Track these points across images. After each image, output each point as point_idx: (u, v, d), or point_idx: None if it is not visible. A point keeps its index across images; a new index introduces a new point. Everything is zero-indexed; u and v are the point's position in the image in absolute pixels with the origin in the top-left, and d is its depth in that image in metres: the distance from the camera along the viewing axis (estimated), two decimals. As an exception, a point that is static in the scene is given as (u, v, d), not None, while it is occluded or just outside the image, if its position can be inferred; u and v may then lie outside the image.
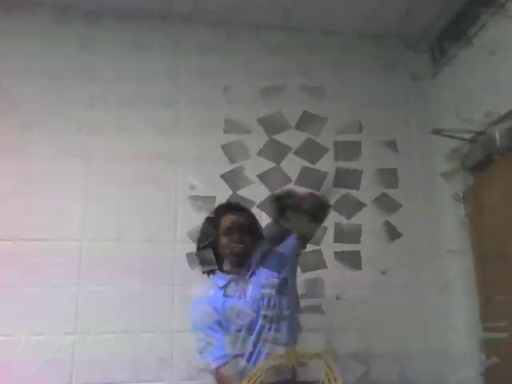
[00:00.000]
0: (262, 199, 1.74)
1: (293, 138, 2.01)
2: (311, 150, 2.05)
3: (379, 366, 2.19)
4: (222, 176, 1.82)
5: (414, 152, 2.58)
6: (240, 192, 1.82)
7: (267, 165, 2.05)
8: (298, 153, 1.99)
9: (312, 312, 1.91)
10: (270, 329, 1.60)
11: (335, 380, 1.28)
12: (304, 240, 1.73)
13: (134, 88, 2.40)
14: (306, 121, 2.19)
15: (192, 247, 2.18)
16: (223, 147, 1.89)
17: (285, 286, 1.70)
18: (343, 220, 2.40)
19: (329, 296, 2.22)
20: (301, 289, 1.83)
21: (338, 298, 2.22)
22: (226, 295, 1.64)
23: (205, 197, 1.92)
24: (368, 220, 2.42)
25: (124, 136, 2.33)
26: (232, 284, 1.66)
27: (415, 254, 2.42)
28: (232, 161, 1.85)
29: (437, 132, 2.23)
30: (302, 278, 1.84)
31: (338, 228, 2.33)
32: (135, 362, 2.06)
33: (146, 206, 2.25)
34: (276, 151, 1.94)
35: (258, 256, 1.72)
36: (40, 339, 2.03)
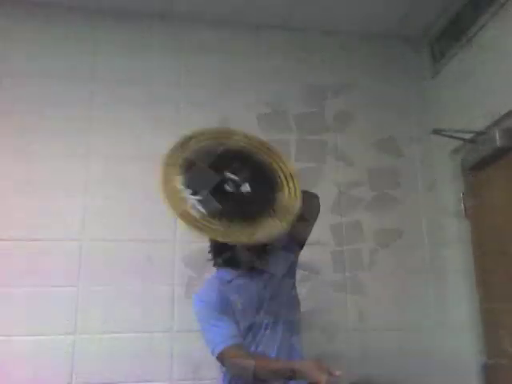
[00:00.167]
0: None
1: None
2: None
3: (377, 365, 2.19)
4: None
5: (414, 152, 2.58)
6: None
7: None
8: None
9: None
10: (268, 327, 1.60)
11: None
12: (300, 242, 1.74)
13: (134, 88, 2.41)
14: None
15: (192, 247, 2.19)
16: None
17: (288, 286, 1.70)
18: (343, 219, 2.41)
19: (328, 295, 2.23)
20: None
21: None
22: (232, 289, 1.64)
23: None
24: (368, 219, 2.44)
25: (124, 136, 2.34)
26: (238, 280, 1.66)
27: (415, 254, 2.42)
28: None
29: (437, 132, 2.23)
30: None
31: (338, 227, 2.35)
32: (135, 362, 2.06)
33: (145, 206, 2.25)
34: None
35: (266, 256, 1.72)
36: (40, 339, 2.03)
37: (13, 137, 2.24)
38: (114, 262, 2.16)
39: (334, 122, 2.55)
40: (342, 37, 2.67)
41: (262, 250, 1.68)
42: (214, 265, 1.74)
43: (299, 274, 1.79)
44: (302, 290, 1.84)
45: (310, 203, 1.70)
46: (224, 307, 1.59)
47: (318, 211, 1.76)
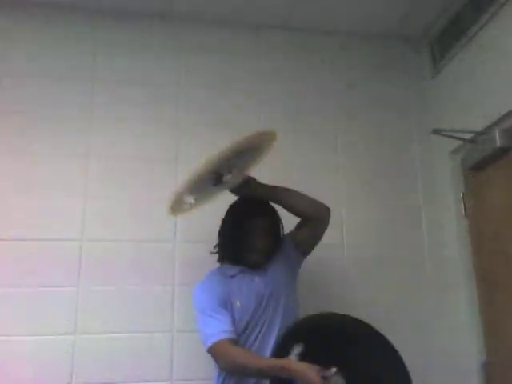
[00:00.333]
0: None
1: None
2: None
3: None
4: None
5: (414, 152, 2.58)
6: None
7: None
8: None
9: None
10: (264, 326, 1.61)
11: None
12: (303, 249, 1.82)
13: (134, 88, 2.41)
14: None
15: (192, 247, 2.20)
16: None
17: (288, 288, 1.70)
18: (343, 219, 2.41)
19: (328, 294, 2.22)
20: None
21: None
22: (233, 285, 1.64)
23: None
24: (367, 219, 2.44)
25: (124, 136, 2.34)
26: (240, 276, 1.66)
27: (415, 254, 2.42)
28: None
29: (437, 132, 2.23)
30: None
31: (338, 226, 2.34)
32: (135, 362, 2.06)
33: (145, 206, 2.25)
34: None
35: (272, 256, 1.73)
36: (40, 339, 2.02)
37: (13, 137, 2.23)
38: (114, 262, 2.15)
39: (333, 122, 2.55)
40: (342, 37, 2.67)
41: (270, 251, 1.69)
42: (219, 260, 1.75)
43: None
44: (301, 291, 1.85)
45: (319, 214, 1.71)
46: (223, 301, 1.59)
47: (326, 224, 1.75)
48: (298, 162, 2.44)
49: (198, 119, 2.43)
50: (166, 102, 2.42)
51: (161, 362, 2.08)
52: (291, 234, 1.79)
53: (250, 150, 1.68)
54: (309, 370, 1.33)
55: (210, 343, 1.51)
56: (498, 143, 2.01)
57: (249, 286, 1.64)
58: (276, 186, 1.77)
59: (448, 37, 2.48)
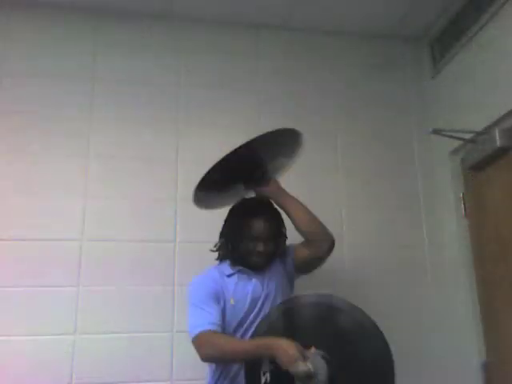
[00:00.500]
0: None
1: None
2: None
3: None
4: None
5: (414, 152, 2.58)
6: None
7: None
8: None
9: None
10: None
11: None
12: (300, 268, 1.80)
13: (134, 88, 2.41)
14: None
15: (191, 247, 2.20)
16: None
17: (284, 292, 1.70)
18: (343, 218, 2.41)
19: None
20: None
21: None
22: (229, 284, 1.64)
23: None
24: (367, 219, 2.44)
25: (124, 136, 2.34)
26: (237, 276, 1.66)
27: (415, 254, 2.42)
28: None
29: (437, 132, 2.23)
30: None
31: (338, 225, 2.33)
32: (135, 362, 2.06)
33: (145, 206, 2.25)
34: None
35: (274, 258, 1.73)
36: (40, 339, 2.02)
37: (13, 137, 2.24)
38: (114, 262, 2.16)
39: (333, 122, 2.55)
40: (342, 37, 2.67)
41: (271, 254, 1.69)
42: (218, 258, 1.75)
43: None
44: (300, 291, 1.84)
45: (319, 240, 1.67)
46: (216, 297, 1.60)
47: (322, 255, 1.71)
48: (298, 162, 2.44)
49: (198, 119, 2.43)
50: (166, 102, 2.42)
51: (161, 362, 2.08)
52: (296, 246, 1.76)
53: (274, 146, 1.70)
54: (288, 347, 1.33)
55: (196, 332, 1.51)
56: (498, 143, 2.01)
57: (245, 286, 1.64)
58: (291, 196, 1.74)
59: (448, 37, 2.48)
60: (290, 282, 1.76)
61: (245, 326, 1.59)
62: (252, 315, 1.60)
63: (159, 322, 2.12)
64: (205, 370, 1.70)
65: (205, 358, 1.52)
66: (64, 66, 2.37)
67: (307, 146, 2.49)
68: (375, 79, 2.65)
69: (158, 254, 2.20)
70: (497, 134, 2.02)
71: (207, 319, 1.53)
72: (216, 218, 1.80)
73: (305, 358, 1.31)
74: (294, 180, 2.39)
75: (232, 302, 1.60)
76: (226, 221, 1.76)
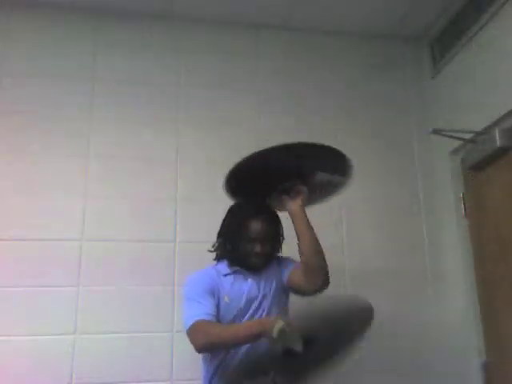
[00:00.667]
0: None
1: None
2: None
3: (377, 365, 2.19)
4: None
5: (414, 152, 2.58)
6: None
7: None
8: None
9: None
10: None
11: None
12: (293, 289, 1.74)
13: (134, 88, 2.41)
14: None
15: (191, 247, 2.20)
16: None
17: (281, 297, 1.70)
18: (343, 218, 2.41)
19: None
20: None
21: None
22: (225, 283, 1.64)
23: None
24: (367, 219, 2.44)
25: (124, 136, 2.34)
26: (234, 276, 1.66)
27: (415, 254, 2.42)
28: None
29: (437, 132, 2.23)
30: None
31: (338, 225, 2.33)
32: (135, 362, 2.06)
33: (145, 206, 2.25)
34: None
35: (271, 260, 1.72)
36: (40, 339, 2.02)
37: (13, 137, 2.24)
38: (114, 262, 2.16)
39: (333, 122, 2.55)
40: (342, 37, 2.67)
41: (269, 255, 1.69)
42: (216, 258, 1.75)
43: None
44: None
45: (317, 275, 1.62)
46: (211, 292, 1.60)
47: (318, 288, 1.63)
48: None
49: (198, 119, 2.43)
50: (165, 102, 2.42)
51: (161, 362, 2.08)
52: (294, 268, 1.71)
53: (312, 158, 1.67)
54: (277, 319, 1.35)
55: (192, 321, 1.50)
56: (498, 143, 2.01)
57: (241, 286, 1.64)
58: (307, 221, 1.67)
59: (448, 37, 2.48)
60: (283, 288, 1.74)
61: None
62: (247, 316, 1.60)
63: (159, 322, 2.12)
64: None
65: (200, 347, 1.51)
66: (64, 66, 2.37)
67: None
68: (375, 79, 2.65)
69: (157, 254, 2.20)
70: (497, 134, 2.02)
71: (203, 310, 1.53)
72: (216, 218, 1.80)
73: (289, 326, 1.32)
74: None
75: (226, 299, 1.60)
76: (224, 221, 1.75)
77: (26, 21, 2.40)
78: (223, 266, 1.70)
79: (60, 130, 2.29)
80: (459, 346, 2.25)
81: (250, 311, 1.61)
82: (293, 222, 1.67)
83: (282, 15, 2.54)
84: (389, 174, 2.52)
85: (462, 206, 2.34)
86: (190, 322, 1.51)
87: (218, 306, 1.58)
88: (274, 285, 1.68)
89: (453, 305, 2.33)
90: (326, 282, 1.63)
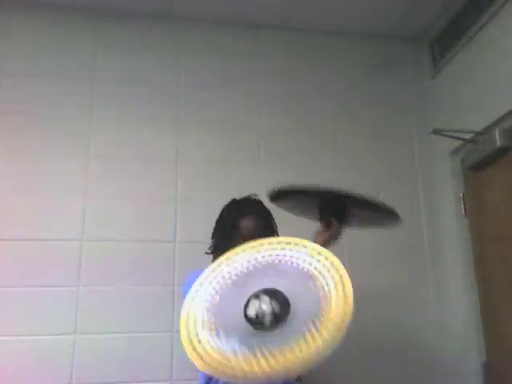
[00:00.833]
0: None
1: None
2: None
3: (377, 365, 2.19)
4: None
5: (414, 152, 2.58)
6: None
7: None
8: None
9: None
10: None
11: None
12: None
13: (134, 88, 2.41)
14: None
15: (191, 247, 2.20)
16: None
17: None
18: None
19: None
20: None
21: None
22: None
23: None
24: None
25: (124, 136, 2.34)
26: None
27: (415, 254, 2.42)
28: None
29: (437, 132, 2.23)
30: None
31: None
32: (135, 362, 2.06)
33: (145, 206, 2.25)
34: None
35: None
36: (40, 339, 2.02)
37: (13, 137, 2.23)
38: (114, 262, 2.16)
39: (333, 122, 2.55)
40: (342, 37, 2.67)
41: None
42: (213, 260, 1.74)
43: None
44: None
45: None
46: None
47: None
48: (298, 162, 2.44)
49: (198, 119, 2.43)
50: (166, 102, 2.42)
51: (161, 362, 2.08)
52: None
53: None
54: None
55: None
56: (498, 143, 2.01)
57: None
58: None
59: (448, 37, 2.48)
60: None
61: None
62: None
63: (159, 322, 2.12)
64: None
65: None
66: (64, 66, 2.37)
67: (307, 146, 2.51)
68: (375, 79, 2.65)
69: (157, 253, 2.20)
70: (497, 134, 2.02)
71: None
72: (216, 218, 1.80)
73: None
74: (295, 179, 2.39)
75: None
76: (216, 222, 1.76)
77: (26, 21, 2.40)
78: None
79: (60, 129, 2.29)
80: (459, 346, 2.25)
81: None
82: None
83: (282, 15, 2.54)
84: (389, 174, 2.52)
85: (462, 205, 2.34)
86: None
87: None
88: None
89: (453, 305, 2.33)
90: None
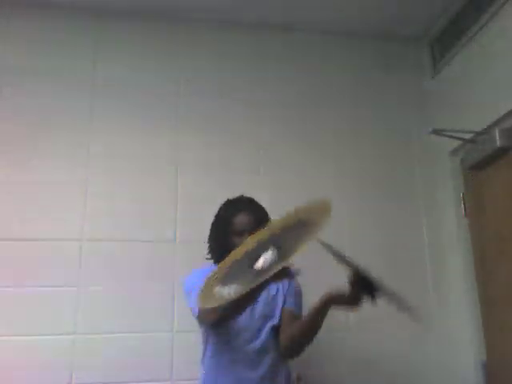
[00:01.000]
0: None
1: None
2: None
3: (377, 365, 2.19)
4: None
5: (414, 152, 2.58)
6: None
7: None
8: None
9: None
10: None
11: None
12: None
13: (135, 88, 2.41)
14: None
15: (191, 247, 2.20)
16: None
17: (276, 308, 1.68)
18: (343, 218, 2.41)
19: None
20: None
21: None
22: None
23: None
24: (367, 219, 2.44)
25: (124, 136, 2.34)
26: None
27: (415, 254, 2.42)
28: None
29: (437, 132, 2.23)
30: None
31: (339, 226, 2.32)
32: (135, 362, 2.06)
33: (146, 206, 2.25)
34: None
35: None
36: (40, 339, 2.02)
37: (13, 137, 2.23)
38: (114, 261, 2.16)
39: (333, 123, 2.55)
40: (342, 37, 2.67)
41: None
42: (214, 262, 1.74)
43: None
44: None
45: (286, 352, 1.62)
46: None
47: (294, 356, 1.66)
48: (298, 163, 2.44)
49: (198, 118, 2.43)
50: (165, 102, 2.42)
51: (161, 362, 2.08)
52: (287, 306, 1.69)
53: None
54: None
55: (197, 308, 1.49)
56: (498, 143, 2.01)
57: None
58: (324, 315, 1.58)
59: (448, 37, 2.48)
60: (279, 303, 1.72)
61: (235, 328, 1.60)
62: (243, 316, 1.59)
63: (159, 322, 2.12)
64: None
65: (213, 321, 1.51)
66: (64, 67, 2.37)
67: (307, 146, 2.51)
68: (375, 79, 2.65)
69: (158, 253, 2.20)
70: (497, 134, 2.02)
71: None
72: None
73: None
74: (294, 179, 2.40)
75: None
76: (212, 224, 1.75)
77: (26, 21, 2.40)
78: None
79: (60, 130, 2.29)
80: (459, 345, 2.25)
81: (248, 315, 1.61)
82: (317, 304, 1.57)
83: (282, 15, 2.54)
84: (388, 174, 2.52)
85: (462, 205, 2.34)
86: (197, 309, 1.51)
87: None
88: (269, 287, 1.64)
89: (453, 304, 2.33)
90: (299, 355, 1.64)
